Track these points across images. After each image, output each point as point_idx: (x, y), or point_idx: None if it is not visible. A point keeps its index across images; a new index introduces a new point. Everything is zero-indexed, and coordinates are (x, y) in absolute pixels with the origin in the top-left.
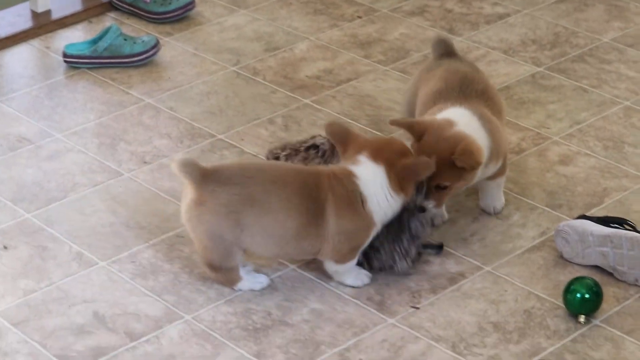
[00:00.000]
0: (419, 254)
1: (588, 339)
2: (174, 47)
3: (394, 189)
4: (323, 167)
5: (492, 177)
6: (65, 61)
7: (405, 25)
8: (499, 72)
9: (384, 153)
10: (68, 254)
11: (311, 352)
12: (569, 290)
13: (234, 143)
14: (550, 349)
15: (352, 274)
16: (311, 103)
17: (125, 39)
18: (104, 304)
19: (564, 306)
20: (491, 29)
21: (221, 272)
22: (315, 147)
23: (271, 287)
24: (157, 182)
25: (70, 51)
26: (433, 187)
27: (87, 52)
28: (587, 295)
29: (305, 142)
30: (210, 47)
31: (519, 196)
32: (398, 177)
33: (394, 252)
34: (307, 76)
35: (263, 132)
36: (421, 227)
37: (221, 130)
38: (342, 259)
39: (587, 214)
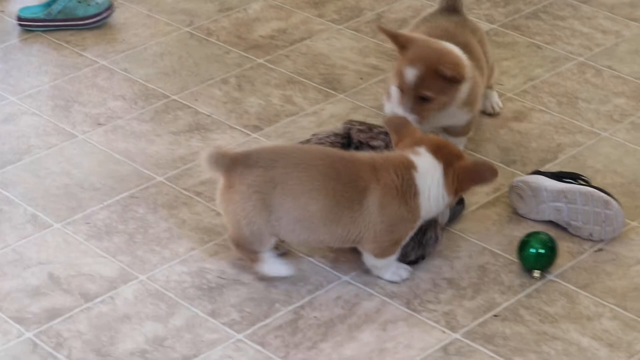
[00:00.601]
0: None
1: (543, 294)
2: (128, 9)
3: (448, 189)
4: (366, 153)
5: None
6: (20, 24)
7: None
8: None
9: (443, 151)
10: (23, 216)
11: (265, 310)
12: (523, 245)
13: (188, 103)
14: (505, 305)
15: (391, 269)
16: (265, 63)
17: (79, 2)
18: (58, 266)
19: (518, 262)
20: None
21: (242, 251)
22: (385, 134)
23: (225, 246)
24: (111, 144)
25: (24, 14)
26: (417, 98)
27: (41, 15)
28: (541, 250)
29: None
30: (163, 8)
31: (473, 152)
32: (458, 179)
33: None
34: (260, 36)
35: (217, 92)
36: None
37: (175, 91)
38: (382, 253)
39: (541, 169)
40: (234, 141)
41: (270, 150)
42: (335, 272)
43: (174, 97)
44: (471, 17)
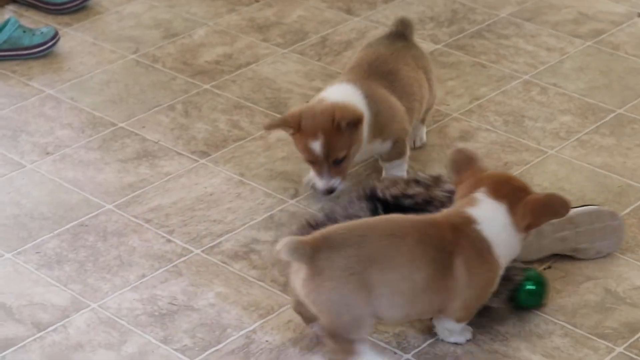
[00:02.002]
0: None
1: (494, 313)
2: (73, 38)
3: (519, 227)
4: (438, 215)
5: (387, 159)
6: None
7: (303, 8)
8: None
9: (505, 188)
10: None
11: (218, 336)
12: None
13: (135, 131)
14: None
15: (463, 331)
16: (211, 88)
17: (24, 31)
18: (10, 296)
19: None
20: (389, 8)
21: (343, 342)
22: (416, 180)
23: (176, 272)
24: (60, 173)
25: None
26: (332, 164)
27: None
28: (532, 287)
29: (407, 176)
30: (109, 36)
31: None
32: (529, 214)
33: None
34: (206, 61)
35: (164, 118)
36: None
37: (122, 118)
38: (465, 317)
39: None
40: (182, 167)
41: (350, 227)
42: (286, 296)
43: (121, 124)
44: (416, 38)
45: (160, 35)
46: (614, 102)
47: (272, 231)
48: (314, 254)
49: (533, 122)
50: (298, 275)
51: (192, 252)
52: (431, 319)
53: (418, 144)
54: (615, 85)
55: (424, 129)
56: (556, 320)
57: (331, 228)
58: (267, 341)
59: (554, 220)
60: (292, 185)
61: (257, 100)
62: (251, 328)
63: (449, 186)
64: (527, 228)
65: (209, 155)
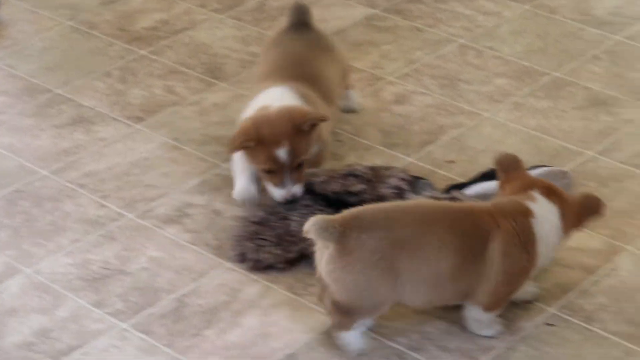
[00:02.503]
0: None
1: None
2: (12, 6)
3: (565, 229)
4: (481, 203)
5: (313, 165)
6: None
7: None
8: (334, 15)
9: (557, 191)
10: None
11: (150, 299)
12: None
13: (72, 97)
14: None
15: (491, 323)
16: (148, 54)
17: None
18: None
19: None
20: None
21: (343, 316)
22: (354, 175)
23: (109, 237)
24: None
25: None
26: (294, 168)
27: None
28: None
29: (341, 170)
30: (46, 3)
31: (354, 137)
32: (576, 217)
33: None
34: (143, 28)
35: (100, 85)
36: None
37: (59, 85)
38: (494, 306)
39: (422, 152)
40: (118, 133)
41: (382, 210)
42: (218, 259)
43: (57, 91)
44: (353, 2)
45: (98, 2)
46: (550, 65)
47: (205, 195)
48: (343, 232)
49: (468, 86)
50: (324, 252)
51: (125, 216)
52: (460, 311)
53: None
54: (552, 49)
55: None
56: None
57: (361, 208)
58: (199, 304)
59: None
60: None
61: (193, 65)
62: (183, 291)
63: (393, 181)
64: (571, 230)
65: (144, 120)
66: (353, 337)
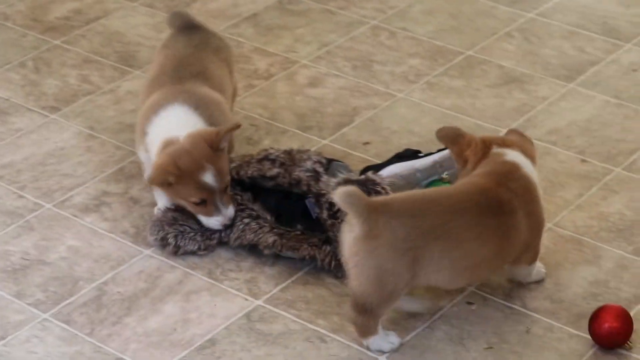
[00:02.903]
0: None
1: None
2: None
3: (534, 163)
4: (481, 177)
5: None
6: None
7: None
8: (245, 0)
9: (505, 139)
10: None
11: (70, 289)
12: None
13: None
14: (306, 269)
15: (537, 268)
16: (61, 44)
17: None
18: None
19: None
20: None
21: (365, 318)
22: (269, 159)
23: (27, 227)
24: None
25: None
26: (223, 190)
27: None
28: None
29: (257, 154)
30: None
31: (269, 121)
32: (531, 152)
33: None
34: (56, 17)
35: (14, 76)
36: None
37: None
38: (534, 257)
39: (337, 134)
40: (33, 123)
41: (411, 198)
42: (137, 247)
43: None
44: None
45: None
46: (463, 44)
47: (122, 183)
48: (370, 214)
49: (382, 67)
50: (349, 233)
51: (43, 206)
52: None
53: None
54: (465, 28)
55: None
56: None
57: (389, 196)
58: (118, 292)
59: (422, 167)
60: None
61: (106, 54)
62: (102, 280)
63: (309, 164)
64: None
65: (60, 110)
66: (382, 339)
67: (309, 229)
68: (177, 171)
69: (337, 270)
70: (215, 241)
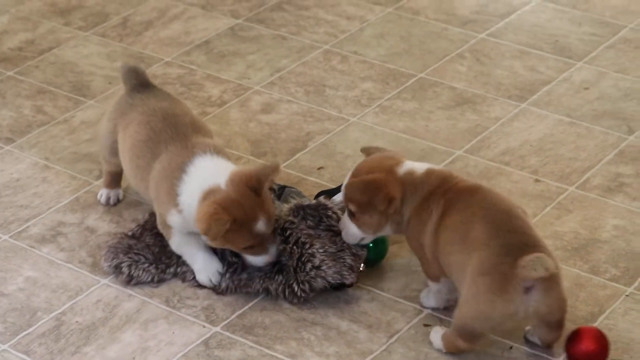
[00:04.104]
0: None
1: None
2: None
3: None
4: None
5: None
6: None
7: None
8: (197, 27)
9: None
10: None
11: (28, 319)
12: None
13: None
14: (262, 296)
15: None
16: (14, 75)
17: None
18: None
19: None
20: None
21: (473, 344)
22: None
23: None
24: None
25: None
26: (273, 233)
27: None
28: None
29: None
30: None
31: (227, 148)
32: None
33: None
34: (9, 48)
35: None
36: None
37: None
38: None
39: (291, 160)
40: None
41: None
42: (94, 276)
43: None
44: (217, 14)
45: None
46: (414, 67)
47: (78, 213)
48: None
49: (334, 91)
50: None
51: (0, 238)
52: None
53: None
54: (416, 50)
55: None
56: (363, 286)
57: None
58: (77, 322)
59: None
60: (97, 166)
61: (60, 84)
62: (60, 310)
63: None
64: None
65: (14, 141)
66: None
67: None
68: (233, 221)
69: (291, 297)
70: (169, 276)
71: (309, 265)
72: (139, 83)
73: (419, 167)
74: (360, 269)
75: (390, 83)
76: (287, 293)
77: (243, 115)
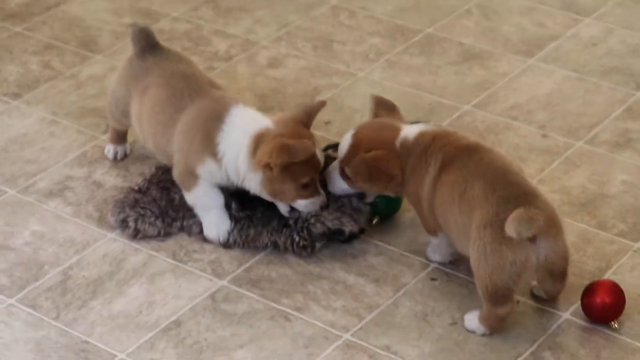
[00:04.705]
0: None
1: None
2: None
3: None
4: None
5: None
6: None
7: None
8: None
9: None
10: None
11: (35, 273)
12: None
13: None
14: (269, 249)
15: None
16: (22, 31)
17: None
18: None
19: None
20: None
21: (505, 305)
22: None
23: None
24: None
25: None
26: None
27: None
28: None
29: None
30: None
31: None
32: None
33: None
34: (16, 4)
35: None
36: None
37: None
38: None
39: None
40: None
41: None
42: (101, 231)
43: None
44: None
45: None
46: (422, 22)
47: (85, 168)
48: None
49: (342, 46)
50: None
51: (7, 192)
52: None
53: None
54: (424, 6)
55: None
56: (369, 239)
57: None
58: (83, 276)
59: None
60: (104, 121)
61: (67, 39)
62: (67, 264)
63: None
64: None
65: (22, 96)
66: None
67: (270, 209)
68: (297, 153)
69: (300, 251)
70: (175, 229)
71: (309, 213)
72: (149, 45)
73: (412, 131)
74: (374, 222)
75: (398, 38)
76: (295, 246)
77: (250, 70)
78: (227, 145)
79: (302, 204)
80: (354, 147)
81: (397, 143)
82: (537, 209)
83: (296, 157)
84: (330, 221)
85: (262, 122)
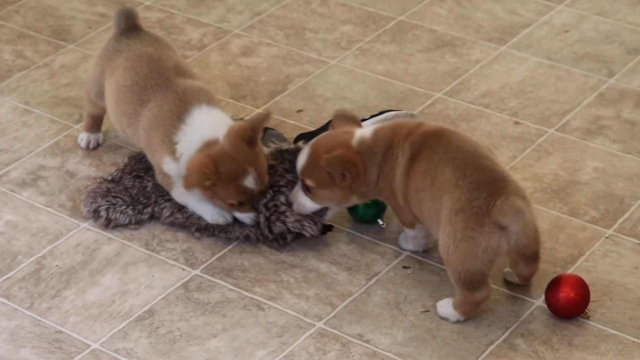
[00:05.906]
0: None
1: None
2: None
3: None
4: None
5: None
6: None
7: None
8: None
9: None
10: None
11: (9, 263)
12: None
13: None
14: (242, 238)
15: None
16: None
17: None
18: None
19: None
20: None
21: (481, 290)
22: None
23: None
24: None
25: None
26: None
27: None
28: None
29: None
30: None
31: None
32: None
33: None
34: None
35: None
36: None
37: None
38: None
39: (272, 102)
40: None
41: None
42: (74, 220)
43: None
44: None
45: None
46: (394, 10)
47: (58, 157)
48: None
49: (314, 34)
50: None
51: None
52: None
53: None
54: None
55: None
56: (342, 228)
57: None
58: (57, 265)
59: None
60: (77, 110)
61: (40, 29)
62: (41, 254)
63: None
64: None
65: None
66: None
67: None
68: (218, 175)
69: (271, 243)
70: (146, 216)
71: (274, 209)
72: (127, 27)
73: (366, 130)
74: (382, 224)
75: (370, 26)
76: (265, 238)
77: (223, 59)
78: (185, 146)
79: (237, 215)
80: (312, 156)
81: (354, 142)
82: (518, 196)
83: (189, 182)
84: (291, 223)
85: (216, 129)
